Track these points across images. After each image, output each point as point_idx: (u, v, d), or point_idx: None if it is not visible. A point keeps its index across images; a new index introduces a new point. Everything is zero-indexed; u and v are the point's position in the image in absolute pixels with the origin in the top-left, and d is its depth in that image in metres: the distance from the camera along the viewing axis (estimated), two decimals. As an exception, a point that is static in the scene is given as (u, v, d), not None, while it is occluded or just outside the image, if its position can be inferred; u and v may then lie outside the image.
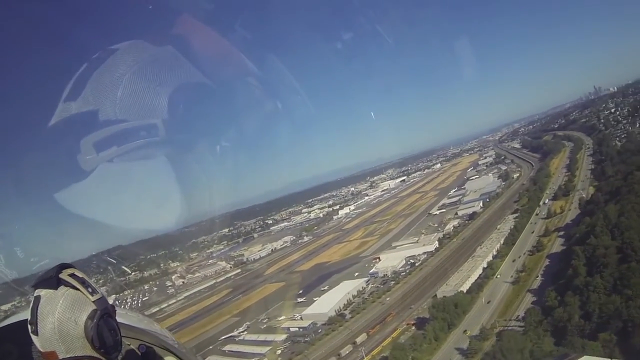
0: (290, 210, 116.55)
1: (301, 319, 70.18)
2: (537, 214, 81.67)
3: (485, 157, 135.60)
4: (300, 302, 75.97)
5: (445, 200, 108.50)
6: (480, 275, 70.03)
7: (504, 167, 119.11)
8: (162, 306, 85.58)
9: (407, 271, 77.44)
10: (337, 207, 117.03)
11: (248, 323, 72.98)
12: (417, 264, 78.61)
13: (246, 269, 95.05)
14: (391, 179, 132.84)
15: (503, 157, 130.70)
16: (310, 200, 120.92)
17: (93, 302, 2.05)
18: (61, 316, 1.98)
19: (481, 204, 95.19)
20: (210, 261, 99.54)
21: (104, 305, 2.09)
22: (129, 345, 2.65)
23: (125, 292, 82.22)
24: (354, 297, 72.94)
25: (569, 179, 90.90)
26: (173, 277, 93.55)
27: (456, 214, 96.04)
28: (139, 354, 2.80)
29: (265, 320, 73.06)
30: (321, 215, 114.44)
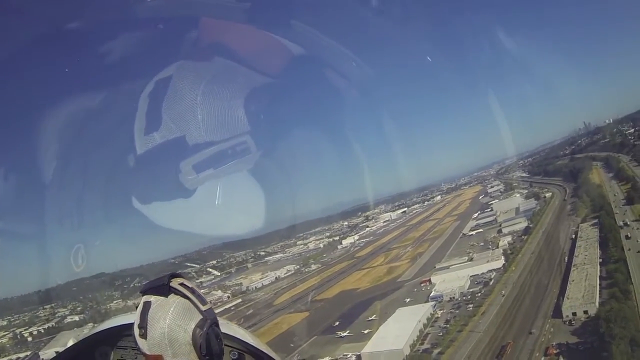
0: (281, 243, 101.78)
1: (359, 359, 51.80)
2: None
3: (493, 187, 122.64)
4: (343, 336, 57.22)
5: (475, 222, 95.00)
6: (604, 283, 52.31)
7: (524, 191, 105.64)
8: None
9: (482, 291, 60.42)
10: (337, 238, 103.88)
11: (278, 369, 50.24)
12: (490, 283, 61.82)
13: (248, 299, 78.40)
14: (387, 212, 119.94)
15: (515, 184, 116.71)
16: (302, 234, 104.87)
17: (202, 311, 2.18)
18: (171, 323, 2.10)
19: (527, 221, 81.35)
20: (201, 291, 77.18)
21: (212, 315, 2.22)
22: None
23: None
24: (425, 326, 54.90)
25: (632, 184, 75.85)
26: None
27: (500, 231, 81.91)
28: (231, 358, 3.02)
29: (300, 364, 54.46)
30: (321, 245, 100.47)
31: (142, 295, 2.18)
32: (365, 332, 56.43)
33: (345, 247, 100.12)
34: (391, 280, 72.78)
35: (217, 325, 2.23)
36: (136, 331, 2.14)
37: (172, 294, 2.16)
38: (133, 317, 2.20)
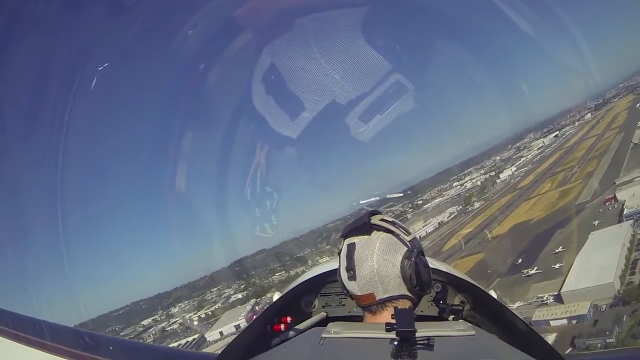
0: (437, 188, 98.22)
1: (559, 300, 46.21)
2: None
3: None
4: (531, 275, 52.12)
5: None
6: None
7: None
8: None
9: None
10: (492, 174, 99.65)
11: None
12: None
13: (415, 247, 74.27)
14: (538, 139, 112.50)
15: None
16: (456, 176, 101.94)
17: (407, 242, 2.13)
18: (379, 259, 2.08)
19: None
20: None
21: (417, 245, 2.18)
22: None
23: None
24: (629, 250, 48.28)
25: None
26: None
27: None
28: (434, 292, 3.07)
29: (490, 311, 46.96)
30: (479, 183, 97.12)
31: (344, 239, 2.18)
32: (556, 267, 51.36)
33: (504, 180, 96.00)
34: (568, 205, 66.73)
35: (423, 254, 2.17)
36: (344, 275, 2.15)
37: (375, 231, 2.13)
38: (333, 265, 2.32)
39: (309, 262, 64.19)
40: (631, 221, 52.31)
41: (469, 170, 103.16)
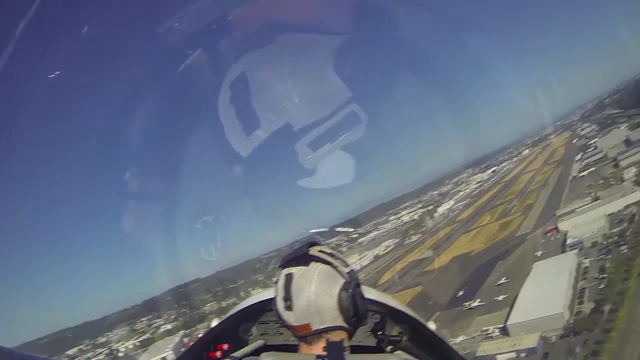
0: (372, 222, 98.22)
1: (505, 333, 44.20)
2: None
3: (584, 129, 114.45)
4: (474, 307, 50.29)
5: (582, 163, 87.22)
6: None
7: (625, 124, 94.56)
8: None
9: (630, 229, 51.73)
10: (430, 207, 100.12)
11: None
12: (636, 218, 52.92)
13: (349, 281, 73.79)
14: (476, 174, 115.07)
15: (609, 121, 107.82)
16: (391, 210, 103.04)
17: (345, 274, 2.17)
18: (316, 290, 2.11)
19: (651, 150, 73.72)
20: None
21: (355, 277, 2.21)
22: None
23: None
24: (576, 280, 47.22)
25: None
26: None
27: (616, 165, 74.47)
28: (373, 323, 3.04)
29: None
30: (416, 217, 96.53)
31: (282, 269, 2.19)
32: (500, 298, 49.62)
33: (443, 213, 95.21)
34: (508, 237, 66.12)
35: (359, 286, 2.21)
36: (280, 304, 2.15)
37: (313, 262, 2.14)
38: (272, 293, 2.28)
39: (241, 293, 63.98)
40: (576, 250, 51.39)
41: (405, 204, 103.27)
